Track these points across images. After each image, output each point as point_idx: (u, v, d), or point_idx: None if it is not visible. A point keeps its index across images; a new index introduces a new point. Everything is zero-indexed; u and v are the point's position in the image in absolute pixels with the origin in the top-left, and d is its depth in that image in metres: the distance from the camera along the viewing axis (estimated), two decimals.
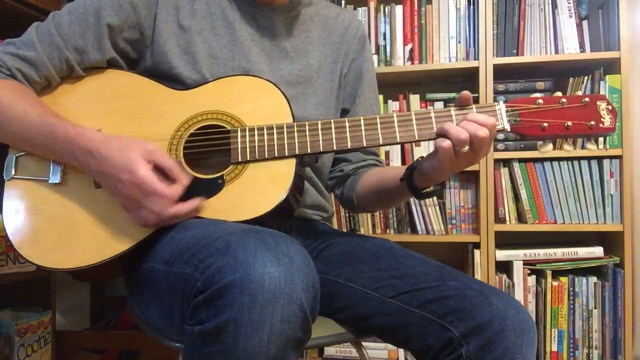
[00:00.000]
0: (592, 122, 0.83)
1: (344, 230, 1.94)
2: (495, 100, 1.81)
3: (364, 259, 0.90)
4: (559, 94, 0.86)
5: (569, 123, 0.83)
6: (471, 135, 0.79)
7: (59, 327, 1.84)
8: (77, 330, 1.98)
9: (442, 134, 0.82)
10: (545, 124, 0.84)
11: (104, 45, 0.92)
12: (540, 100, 0.84)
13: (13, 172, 0.88)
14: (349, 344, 1.73)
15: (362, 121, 0.86)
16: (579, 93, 0.89)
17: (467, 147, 0.79)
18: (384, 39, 1.93)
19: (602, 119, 0.83)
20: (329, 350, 1.93)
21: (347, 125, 0.86)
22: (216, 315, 0.60)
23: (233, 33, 0.98)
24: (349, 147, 0.86)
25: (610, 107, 0.84)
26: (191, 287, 0.64)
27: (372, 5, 1.94)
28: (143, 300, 0.85)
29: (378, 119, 0.86)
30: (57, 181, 0.87)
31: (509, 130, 0.84)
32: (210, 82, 0.92)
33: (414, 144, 1.89)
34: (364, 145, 0.86)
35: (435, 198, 1.85)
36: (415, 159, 1.88)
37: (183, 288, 0.67)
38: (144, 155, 0.79)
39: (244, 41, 0.98)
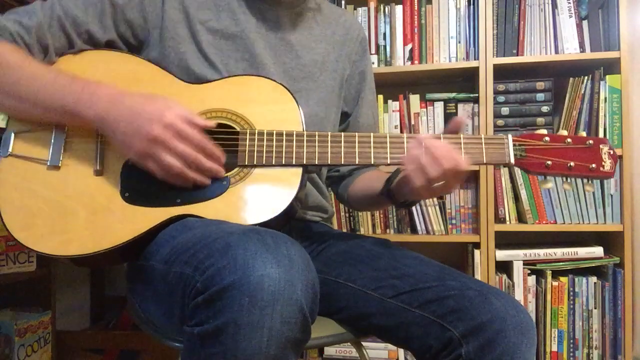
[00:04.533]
0: (594, 165, 0.85)
1: (344, 230, 1.94)
2: (495, 101, 1.81)
3: (364, 259, 0.90)
4: (565, 132, 0.87)
5: (572, 163, 0.85)
6: (445, 171, 0.79)
7: (59, 327, 1.84)
8: (77, 330, 1.98)
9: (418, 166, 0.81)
10: (550, 162, 0.85)
11: (106, 22, 0.92)
12: (547, 138, 0.86)
13: (10, 149, 0.87)
14: (349, 344, 1.73)
15: (372, 138, 0.86)
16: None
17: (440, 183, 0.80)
18: (384, 39, 1.93)
19: (602, 163, 0.85)
20: (329, 350, 1.93)
21: (357, 140, 0.86)
22: (216, 317, 0.60)
23: (238, 25, 0.98)
24: (357, 163, 0.86)
25: (611, 152, 0.86)
26: (191, 288, 0.64)
27: (372, 5, 1.93)
28: (143, 299, 0.85)
29: (388, 138, 0.86)
30: (56, 164, 0.86)
31: (513, 163, 0.85)
32: (222, 78, 0.91)
33: None
34: (372, 163, 0.86)
35: (435, 198, 1.86)
36: None
37: (183, 288, 0.67)
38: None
39: (250, 33, 0.98)
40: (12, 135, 0.87)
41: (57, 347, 1.76)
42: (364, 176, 1.10)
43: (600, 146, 0.86)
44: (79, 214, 0.84)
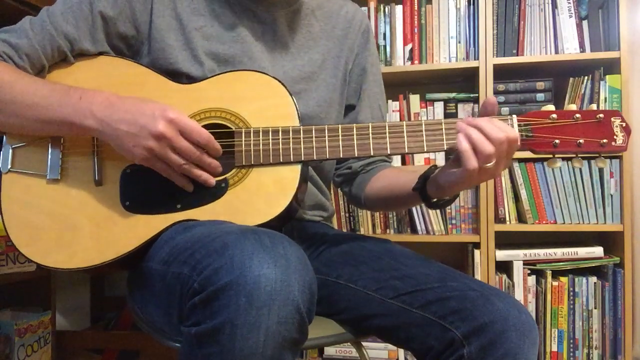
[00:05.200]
0: (605, 140, 0.80)
1: (344, 230, 1.94)
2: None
3: (365, 260, 0.90)
4: (573, 106, 0.82)
5: (581, 140, 0.80)
6: (500, 151, 0.75)
7: (59, 327, 1.84)
8: (77, 330, 1.98)
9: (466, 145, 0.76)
10: (558, 141, 0.81)
11: (98, 37, 0.90)
12: (554, 115, 0.81)
13: (10, 165, 0.87)
14: (349, 344, 1.73)
15: (370, 129, 0.83)
16: (595, 107, 0.85)
17: (491, 163, 0.75)
18: (384, 39, 1.93)
19: (615, 137, 0.80)
20: (329, 350, 1.93)
21: (355, 132, 0.84)
22: (212, 317, 0.60)
23: (234, 29, 0.96)
24: (356, 155, 0.84)
25: (624, 124, 0.80)
26: (188, 288, 0.64)
27: (372, 5, 1.93)
28: (143, 299, 0.85)
29: (387, 127, 0.83)
30: (56, 177, 0.85)
31: (518, 144, 0.80)
32: (215, 75, 0.89)
33: None
34: (371, 154, 0.84)
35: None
36: (415, 162, 1.89)
37: (180, 288, 0.67)
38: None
39: (245, 37, 0.96)
40: (10, 150, 0.87)
41: (57, 347, 1.76)
42: (384, 173, 1.06)
43: (612, 119, 0.80)
44: (83, 226, 0.84)
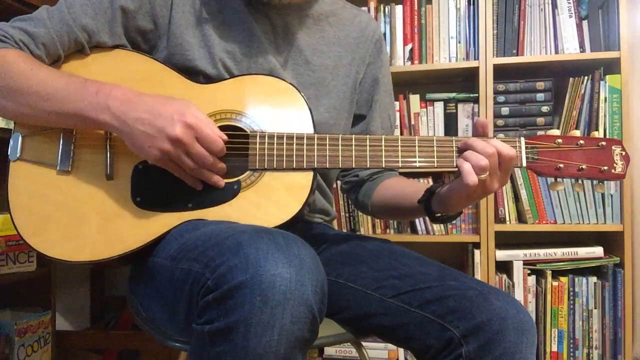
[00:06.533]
0: (605, 167, 0.84)
1: (344, 230, 1.94)
2: (495, 101, 1.81)
3: (364, 260, 0.90)
4: (577, 132, 0.85)
5: (584, 166, 0.84)
6: (491, 163, 0.78)
7: (59, 327, 1.84)
8: (77, 330, 1.99)
9: (462, 157, 0.80)
10: (561, 165, 0.84)
11: (116, 30, 0.90)
12: (559, 140, 0.84)
13: (19, 153, 0.86)
14: (349, 344, 1.73)
15: (383, 141, 0.84)
16: (598, 134, 0.88)
17: (485, 174, 0.78)
18: (384, 39, 1.93)
19: (614, 165, 0.84)
20: (329, 350, 1.93)
21: (368, 143, 0.85)
22: (226, 315, 0.60)
23: (249, 31, 0.97)
24: (368, 166, 0.85)
25: (623, 153, 0.84)
26: (200, 285, 0.64)
27: (372, 5, 1.93)
28: (145, 294, 0.85)
29: (399, 141, 0.84)
30: (67, 169, 0.85)
31: (524, 166, 0.84)
32: (232, 78, 0.90)
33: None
34: (383, 166, 0.85)
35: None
36: None
37: (191, 285, 0.67)
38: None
39: (260, 39, 0.97)
40: (20, 138, 0.86)
41: (57, 347, 1.76)
42: (390, 182, 1.06)
43: (613, 147, 0.84)
44: (92, 220, 0.83)
